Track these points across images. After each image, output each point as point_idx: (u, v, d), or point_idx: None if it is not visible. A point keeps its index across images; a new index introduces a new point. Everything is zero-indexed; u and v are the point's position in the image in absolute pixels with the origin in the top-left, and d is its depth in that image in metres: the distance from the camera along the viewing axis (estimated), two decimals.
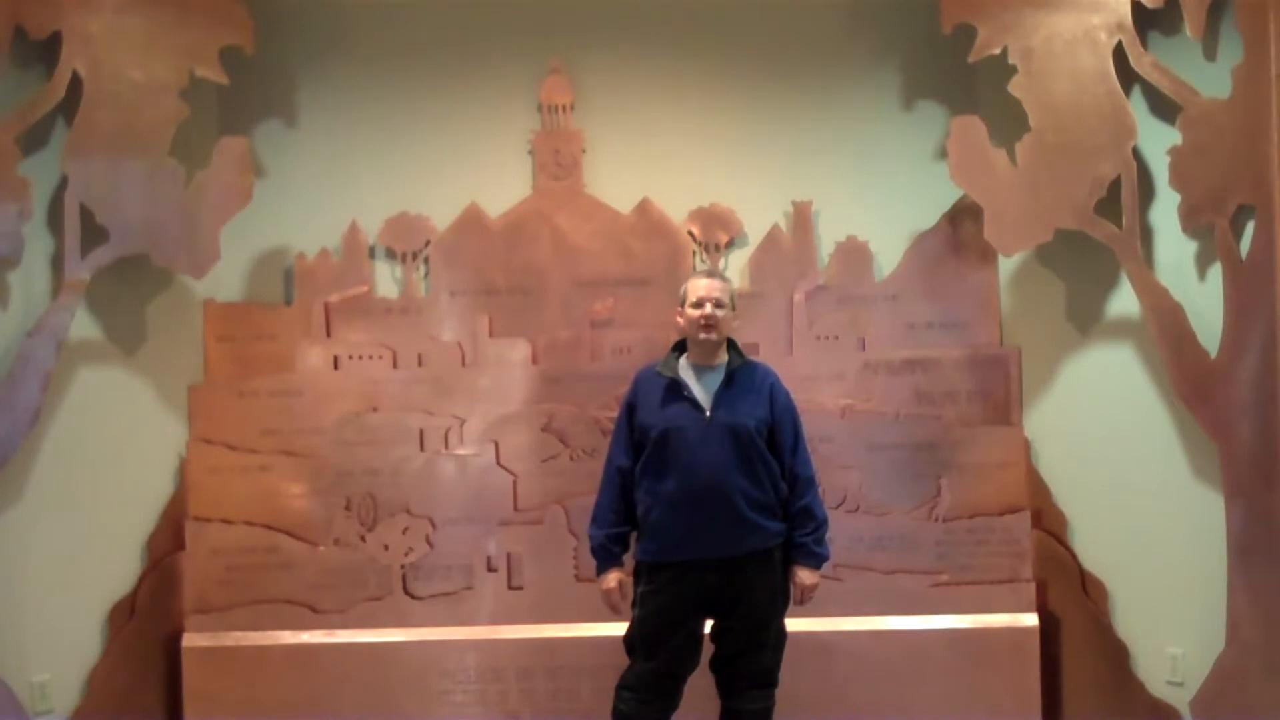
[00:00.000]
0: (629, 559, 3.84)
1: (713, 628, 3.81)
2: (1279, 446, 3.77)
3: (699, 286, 3.79)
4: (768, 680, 3.81)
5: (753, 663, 3.76)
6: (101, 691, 4.37)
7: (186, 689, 4.47)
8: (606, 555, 3.81)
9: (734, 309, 3.85)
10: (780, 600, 3.79)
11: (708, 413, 3.71)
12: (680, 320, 3.83)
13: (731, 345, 3.85)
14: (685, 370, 3.80)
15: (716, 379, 3.77)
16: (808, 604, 3.80)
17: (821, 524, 3.79)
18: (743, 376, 3.78)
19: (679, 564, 3.69)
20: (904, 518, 4.52)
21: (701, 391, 3.75)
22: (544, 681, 4.49)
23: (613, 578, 3.80)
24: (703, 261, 4.69)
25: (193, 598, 4.53)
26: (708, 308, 3.75)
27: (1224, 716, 3.97)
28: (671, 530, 3.68)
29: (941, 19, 4.41)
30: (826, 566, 3.86)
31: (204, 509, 4.56)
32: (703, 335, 3.76)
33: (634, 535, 3.83)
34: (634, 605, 3.80)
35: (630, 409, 3.84)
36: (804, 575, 3.76)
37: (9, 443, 4.12)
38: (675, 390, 3.75)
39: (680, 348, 3.86)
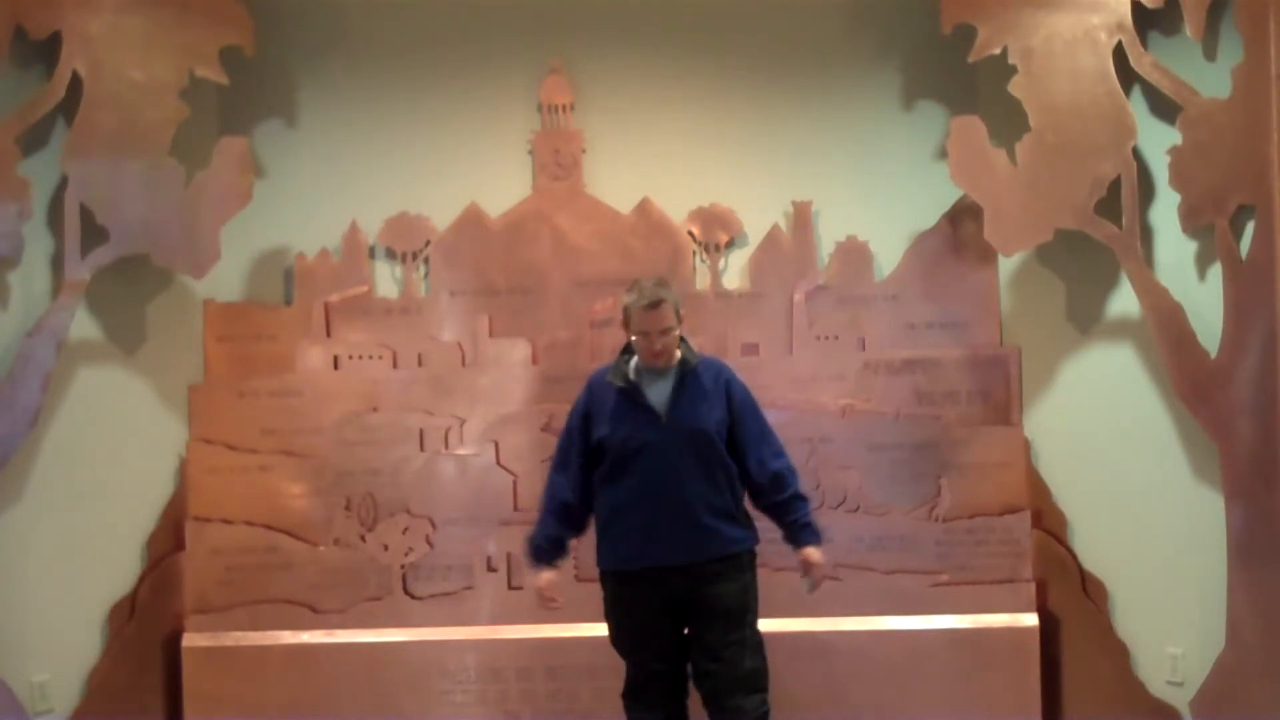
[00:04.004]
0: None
1: (689, 638, 3.70)
2: (1279, 446, 3.77)
3: (644, 319, 3.61)
4: (756, 685, 3.64)
5: (735, 668, 3.60)
6: (101, 691, 4.37)
7: (186, 689, 4.47)
8: (537, 552, 3.76)
9: (680, 317, 3.66)
10: (752, 602, 3.68)
11: (664, 419, 3.63)
12: (626, 330, 3.70)
13: (682, 341, 3.71)
14: (638, 375, 3.69)
15: (670, 383, 3.66)
16: (817, 591, 3.72)
17: (808, 501, 3.75)
18: (696, 378, 3.67)
19: (641, 571, 3.64)
20: (904, 518, 4.51)
21: (657, 397, 3.65)
22: (544, 681, 4.48)
23: (543, 577, 3.73)
24: (703, 261, 4.69)
25: (193, 598, 4.52)
26: (655, 342, 3.61)
27: (1224, 716, 3.97)
28: (632, 539, 3.63)
29: (941, 19, 4.40)
30: (826, 566, 3.77)
31: (204, 509, 4.55)
32: (657, 363, 3.65)
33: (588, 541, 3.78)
34: (606, 614, 3.75)
35: (585, 418, 3.74)
36: (813, 553, 3.67)
37: (9, 443, 4.13)
38: (630, 397, 3.66)
39: (630, 350, 3.73)
